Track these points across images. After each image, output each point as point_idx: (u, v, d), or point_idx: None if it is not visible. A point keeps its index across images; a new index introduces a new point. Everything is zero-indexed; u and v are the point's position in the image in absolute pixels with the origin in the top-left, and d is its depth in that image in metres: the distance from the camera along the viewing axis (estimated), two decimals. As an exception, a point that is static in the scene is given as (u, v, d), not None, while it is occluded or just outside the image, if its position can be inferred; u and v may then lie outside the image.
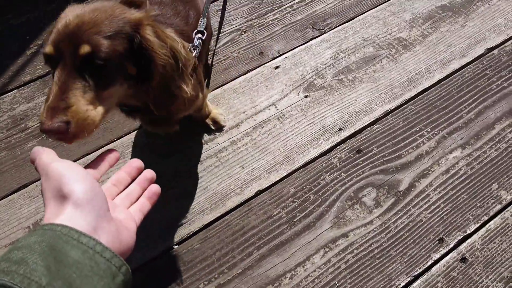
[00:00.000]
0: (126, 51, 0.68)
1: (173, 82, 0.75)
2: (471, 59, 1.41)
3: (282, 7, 1.58)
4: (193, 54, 0.91)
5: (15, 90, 1.36)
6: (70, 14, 0.65)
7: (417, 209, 1.12)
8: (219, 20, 1.54)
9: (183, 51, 0.76)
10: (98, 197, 0.46)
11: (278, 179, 1.17)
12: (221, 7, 1.57)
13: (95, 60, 0.63)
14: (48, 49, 0.63)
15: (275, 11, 1.57)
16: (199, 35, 0.98)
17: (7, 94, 1.35)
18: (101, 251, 0.42)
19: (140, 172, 0.59)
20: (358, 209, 1.12)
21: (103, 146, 1.23)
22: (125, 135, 1.26)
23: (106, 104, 0.67)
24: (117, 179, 0.57)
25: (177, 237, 1.08)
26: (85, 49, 0.62)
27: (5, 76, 1.39)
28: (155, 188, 0.59)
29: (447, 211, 1.11)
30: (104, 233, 0.44)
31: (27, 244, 0.40)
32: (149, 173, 0.59)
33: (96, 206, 0.45)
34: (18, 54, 1.45)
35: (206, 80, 1.38)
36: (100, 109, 0.65)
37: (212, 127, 1.26)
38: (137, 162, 0.59)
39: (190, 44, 0.92)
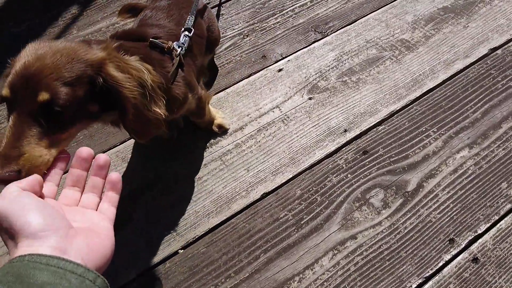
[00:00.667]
0: (87, 93, 0.66)
1: (145, 109, 0.74)
2: (475, 59, 1.40)
3: (284, 11, 1.58)
4: (178, 52, 0.91)
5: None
6: (31, 54, 0.63)
7: (426, 209, 1.10)
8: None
9: (149, 77, 0.75)
10: (53, 219, 0.44)
11: (284, 181, 1.15)
12: (223, 11, 1.57)
13: (53, 107, 0.61)
14: (5, 91, 0.61)
15: (277, 15, 1.57)
16: (186, 32, 0.98)
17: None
18: (72, 269, 0.40)
19: (91, 160, 0.57)
20: (366, 210, 1.10)
21: (106, 151, 1.22)
22: (128, 139, 1.24)
23: (63, 143, 0.66)
24: (74, 180, 0.55)
25: (182, 241, 1.06)
26: (44, 96, 0.60)
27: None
28: (115, 176, 0.56)
29: (457, 211, 1.09)
30: (73, 250, 0.43)
31: None
32: (101, 160, 0.56)
33: (55, 228, 0.43)
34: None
35: (210, 82, 1.37)
36: (54, 151, 0.62)
37: (217, 131, 1.25)
38: (85, 151, 0.56)
39: (175, 42, 0.93)
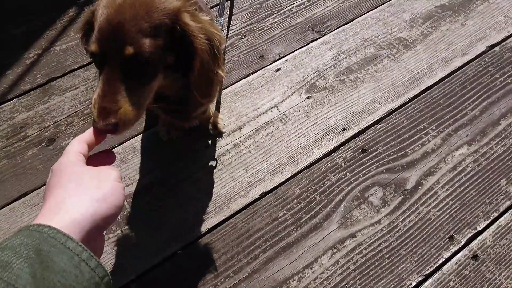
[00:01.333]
0: (166, 43, 0.68)
1: (210, 68, 0.76)
2: (473, 57, 1.40)
3: (281, 11, 1.58)
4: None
5: (15, 99, 1.35)
6: (111, 5, 0.64)
7: (425, 207, 1.10)
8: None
9: (218, 34, 0.76)
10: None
11: (282, 180, 1.15)
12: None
13: (139, 60, 0.65)
14: (94, 47, 0.64)
15: (274, 15, 1.57)
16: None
17: (7, 103, 1.34)
18: (86, 259, 0.41)
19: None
20: (365, 208, 1.10)
21: (105, 152, 1.22)
22: (126, 141, 1.24)
23: (147, 98, 0.70)
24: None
25: (181, 242, 1.06)
26: (129, 50, 0.63)
27: (5, 85, 1.38)
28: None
29: (456, 209, 1.09)
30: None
31: (12, 245, 0.38)
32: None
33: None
34: (18, 63, 1.44)
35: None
36: (142, 109, 0.68)
37: (211, 132, 1.24)
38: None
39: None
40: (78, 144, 0.55)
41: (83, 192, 0.46)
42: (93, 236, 0.44)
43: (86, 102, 1.33)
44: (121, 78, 0.64)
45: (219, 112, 1.29)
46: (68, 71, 1.41)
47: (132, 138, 1.24)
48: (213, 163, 1.19)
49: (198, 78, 0.75)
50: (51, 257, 0.38)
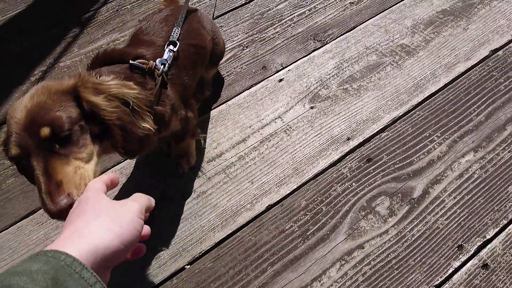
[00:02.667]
0: (81, 115, 0.70)
1: (133, 127, 0.76)
2: (476, 62, 1.40)
3: (282, 21, 1.59)
4: (160, 70, 0.90)
5: (21, 117, 1.36)
6: (16, 113, 0.67)
7: (433, 216, 1.09)
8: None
9: (132, 92, 0.76)
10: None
11: (288, 192, 1.15)
12: (226, 23, 1.58)
13: (59, 134, 0.66)
14: (14, 151, 0.66)
15: (275, 25, 1.57)
16: (171, 46, 0.96)
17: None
18: None
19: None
20: (372, 219, 1.09)
21: (110, 168, 1.22)
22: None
23: (90, 159, 0.71)
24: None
25: (188, 257, 1.06)
26: (45, 131, 0.65)
27: (11, 103, 1.39)
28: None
29: (464, 217, 1.08)
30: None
31: (29, 271, 0.39)
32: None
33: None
34: (23, 80, 1.46)
35: (216, 95, 1.37)
36: (90, 165, 0.69)
37: (182, 167, 1.19)
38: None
39: (158, 60, 0.92)
40: (99, 182, 0.58)
41: (102, 223, 0.47)
42: (102, 269, 0.45)
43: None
44: (49, 157, 0.65)
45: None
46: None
47: (137, 153, 1.25)
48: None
49: (123, 141, 0.75)
50: (66, 286, 0.39)
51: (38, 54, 1.54)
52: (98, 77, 0.77)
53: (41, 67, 1.50)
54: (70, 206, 0.60)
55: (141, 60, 0.89)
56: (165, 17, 1.05)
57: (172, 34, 0.99)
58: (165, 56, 0.94)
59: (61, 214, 0.61)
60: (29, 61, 1.52)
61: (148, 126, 0.79)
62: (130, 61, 0.88)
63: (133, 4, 1.69)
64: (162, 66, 0.91)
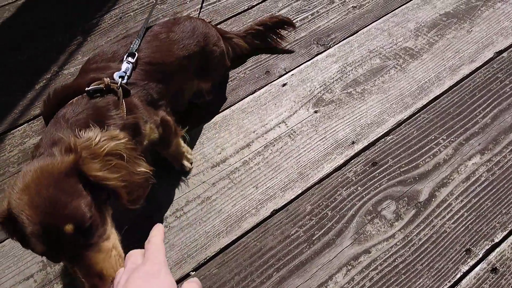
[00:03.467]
0: (90, 195, 0.71)
1: (132, 176, 0.77)
2: (480, 64, 1.39)
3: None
4: (119, 83, 0.90)
5: (25, 124, 1.37)
6: (26, 208, 0.65)
7: (440, 219, 1.08)
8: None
9: (121, 143, 0.77)
10: None
11: (293, 197, 1.14)
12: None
13: (83, 227, 0.67)
14: (40, 248, 0.66)
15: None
16: (129, 58, 0.96)
17: (18, 129, 1.36)
18: None
19: None
20: (378, 223, 1.08)
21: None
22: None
23: (113, 233, 0.75)
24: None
25: (193, 263, 1.05)
26: (69, 228, 0.65)
27: (15, 111, 1.40)
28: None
29: (472, 220, 1.07)
30: None
31: None
32: None
33: None
34: (27, 89, 1.47)
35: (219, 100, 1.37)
36: (113, 242, 0.73)
37: (180, 169, 1.20)
38: None
39: (115, 73, 0.91)
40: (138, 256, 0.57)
41: None
42: None
43: (95, 125, 1.34)
44: (82, 251, 0.67)
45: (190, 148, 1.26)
46: (77, 94, 1.43)
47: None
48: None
49: (128, 197, 0.76)
50: None
51: (42, 62, 1.55)
52: (82, 135, 0.76)
53: (45, 74, 1.51)
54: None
55: (96, 82, 0.88)
56: (119, 40, 1.06)
57: (131, 46, 0.99)
58: (123, 68, 0.93)
59: None
60: (34, 68, 1.53)
61: (144, 169, 0.80)
62: (86, 89, 0.86)
63: (136, 11, 1.70)
64: (120, 79, 0.91)
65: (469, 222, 1.06)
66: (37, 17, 1.72)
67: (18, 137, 1.34)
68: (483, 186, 1.12)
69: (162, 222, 1.12)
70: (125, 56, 0.96)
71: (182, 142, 1.19)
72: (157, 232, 0.59)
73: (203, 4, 1.69)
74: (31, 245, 0.67)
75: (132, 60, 0.96)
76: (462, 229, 1.06)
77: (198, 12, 1.64)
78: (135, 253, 0.57)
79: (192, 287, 0.53)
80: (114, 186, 0.73)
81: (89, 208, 0.69)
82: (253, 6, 1.66)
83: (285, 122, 1.30)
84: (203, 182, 1.19)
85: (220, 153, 1.25)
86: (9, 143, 1.32)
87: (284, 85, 1.40)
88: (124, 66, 0.94)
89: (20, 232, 0.68)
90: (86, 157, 0.71)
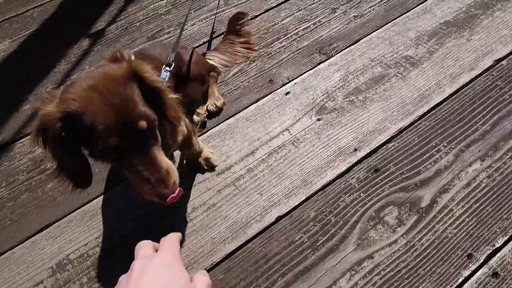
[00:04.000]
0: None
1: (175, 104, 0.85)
2: (480, 71, 1.42)
3: (288, 35, 1.62)
4: (165, 80, 1.02)
5: (34, 133, 1.39)
6: (94, 105, 0.67)
7: (442, 225, 1.10)
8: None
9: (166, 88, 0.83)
10: None
11: (297, 203, 1.16)
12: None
13: (152, 126, 0.72)
14: (112, 142, 0.67)
15: (281, 39, 1.60)
16: (167, 67, 1.06)
17: (27, 137, 1.39)
18: None
19: None
20: (381, 229, 1.10)
21: (120, 183, 1.25)
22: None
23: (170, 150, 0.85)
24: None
25: (199, 269, 1.07)
26: (143, 124, 0.70)
27: (24, 119, 1.43)
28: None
29: (473, 225, 1.09)
30: None
31: None
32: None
33: None
34: (36, 97, 1.50)
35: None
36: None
37: (205, 167, 1.25)
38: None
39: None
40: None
41: None
42: None
43: (103, 133, 1.36)
44: (150, 146, 0.72)
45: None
46: (84, 103, 1.46)
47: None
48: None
49: (174, 113, 0.83)
50: None
51: (49, 72, 1.58)
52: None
53: (53, 84, 1.54)
54: (179, 192, 0.74)
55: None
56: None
57: (168, 57, 1.10)
58: (162, 75, 1.04)
59: (172, 200, 0.73)
60: (41, 78, 1.56)
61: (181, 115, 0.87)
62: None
63: (141, 21, 1.74)
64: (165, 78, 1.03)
65: (470, 227, 1.08)
66: (45, 28, 1.76)
67: (27, 146, 1.36)
68: (483, 192, 1.14)
69: (167, 230, 1.14)
70: (163, 66, 1.06)
71: (200, 142, 1.24)
72: (174, 233, 0.62)
73: (207, 13, 1.72)
74: (101, 140, 0.67)
75: (169, 69, 1.06)
76: (463, 234, 1.08)
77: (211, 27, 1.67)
78: (145, 245, 0.60)
79: (204, 281, 0.56)
80: (165, 95, 0.78)
81: (153, 116, 0.73)
82: (256, 16, 1.70)
83: (288, 130, 1.33)
84: (209, 189, 1.21)
85: (225, 161, 1.27)
86: (18, 152, 1.35)
87: (287, 93, 1.43)
88: (163, 73, 1.04)
89: (79, 131, 0.68)
90: (143, 65, 0.76)
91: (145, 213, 1.17)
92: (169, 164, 0.75)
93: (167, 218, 1.16)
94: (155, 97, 0.77)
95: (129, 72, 0.73)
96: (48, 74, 1.58)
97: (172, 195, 0.75)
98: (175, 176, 0.75)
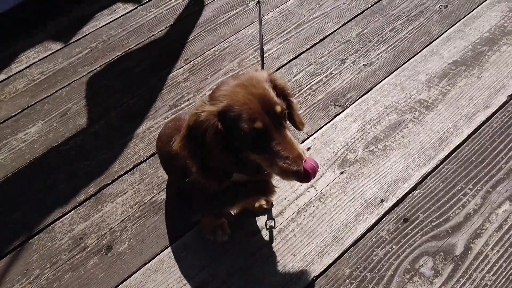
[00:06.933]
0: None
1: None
2: (496, 108, 1.44)
3: (302, 90, 1.69)
4: None
5: (72, 211, 1.47)
6: (244, 98, 0.83)
7: (479, 272, 1.09)
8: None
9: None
10: None
11: (331, 261, 1.18)
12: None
13: (284, 112, 0.86)
14: (258, 124, 0.81)
15: (296, 95, 1.67)
16: None
17: (66, 216, 1.46)
18: None
19: None
20: (418, 281, 1.11)
21: (159, 253, 1.29)
22: (179, 238, 1.31)
23: None
24: None
25: (243, 338, 1.09)
26: (279, 108, 0.84)
27: (62, 198, 1.51)
28: None
29: (511, 270, 1.08)
30: None
31: None
32: None
33: None
34: (70, 177, 1.58)
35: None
36: None
37: (265, 206, 1.31)
38: None
39: None
40: None
41: None
42: None
43: (136, 206, 1.43)
44: (284, 129, 0.84)
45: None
46: (116, 177, 1.53)
47: (182, 236, 1.31)
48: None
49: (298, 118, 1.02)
50: None
51: (80, 149, 1.67)
52: None
53: (86, 161, 1.62)
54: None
55: None
56: None
57: None
58: None
59: (312, 174, 0.81)
60: (74, 155, 1.65)
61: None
62: None
63: (162, 91, 1.84)
64: None
65: (509, 272, 1.08)
66: (74, 104, 1.88)
67: (67, 225, 1.43)
68: (517, 233, 1.14)
69: (208, 298, 1.17)
70: None
71: None
72: None
73: (223, 77, 1.81)
74: (249, 123, 0.81)
75: None
76: (503, 280, 1.07)
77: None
78: None
79: None
80: (292, 100, 0.95)
81: (285, 105, 0.87)
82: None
83: (314, 186, 1.36)
84: (243, 252, 1.24)
85: (255, 222, 1.31)
86: (59, 231, 1.42)
87: (308, 149, 1.47)
88: None
89: (229, 124, 0.84)
90: (276, 76, 0.93)
91: None
92: (302, 148, 0.84)
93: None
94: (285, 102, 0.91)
95: (267, 77, 0.90)
96: (80, 150, 1.67)
97: (313, 167, 0.82)
98: (308, 154, 0.83)
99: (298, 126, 1.02)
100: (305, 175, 0.82)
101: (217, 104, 0.84)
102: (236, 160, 0.91)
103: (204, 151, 0.88)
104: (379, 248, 1.18)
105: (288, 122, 0.95)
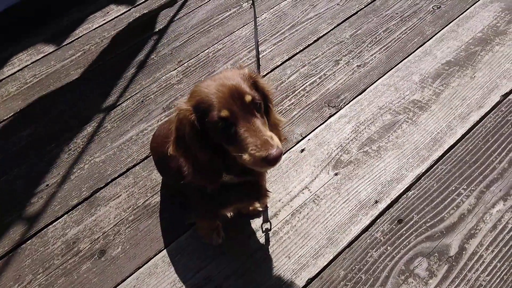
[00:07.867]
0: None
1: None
2: (489, 109, 1.44)
3: (296, 91, 1.68)
4: None
5: (65, 215, 1.45)
6: (215, 89, 0.84)
7: (474, 273, 1.09)
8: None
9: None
10: None
11: (326, 263, 1.18)
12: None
13: (255, 101, 0.85)
14: (224, 113, 0.82)
15: (290, 97, 1.67)
16: None
17: (58, 221, 1.44)
18: None
19: None
20: (412, 282, 1.10)
21: (153, 257, 1.28)
22: (173, 241, 1.30)
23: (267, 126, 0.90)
24: None
25: None
26: (248, 97, 0.84)
27: (55, 203, 1.50)
28: None
29: (505, 270, 1.08)
30: None
31: None
32: None
33: None
34: (64, 180, 1.57)
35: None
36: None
37: (260, 208, 1.30)
38: None
39: None
40: None
41: None
42: None
43: (129, 209, 1.42)
44: (255, 117, 0.84)
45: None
46: (109, 180, 1.52)
47: (177, 238, 1.31)
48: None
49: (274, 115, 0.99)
50: None
51: (73, 152, 1.66)
52: None
53: (79, 164, 1.61)
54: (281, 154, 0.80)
55: None
56: None
57: None
58: None
59: (278, 159, 0.79)
60: (68, 159, 1.64)
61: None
62: None
63: (156, 93, 1.83)
64: None
65: (503, 272, 1.08)
66: (65, 108, 1.86)
67: (59, 229, 1.42)
68: (511, 233, 1.14)
69: (202, 302, 1.16)
70: None
71: None
72: None
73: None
74: (215, 113, 0.82)
75: None
76: (498, 280, 1.07)
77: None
78: None
79: None
80: (271, 101, 0.96)
81: (258, 96, 0.87)
82: (263, 76, 1.77)
83: (308, 188, 1.36)
84: (240, 254, 1.24)
85: (250, 225, 1.30)
86: (52, 236, 1.41)
87: (302, 150, 1.47)
88: None
89: (205, 117, 0.84)
90: (257, 75, 0.94)
91: (178, 288, 1.20)
92: (271, 134, 0.84)
93: (200, 291, 1.18)
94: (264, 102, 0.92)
95: (247, 73, 0.90)
96: (72, 153, 1.65)
97: (279, 152, 0.80)
98: (277, 141, 0.82)
99: (275, 125, 1.00)
100: (271, 159, 0.81)
101: (192, 100, 0.87)
102: (222, 157, 0.91)
103: (191, 150, 0.89)
104: (374, 250, 1.18)
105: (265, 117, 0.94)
